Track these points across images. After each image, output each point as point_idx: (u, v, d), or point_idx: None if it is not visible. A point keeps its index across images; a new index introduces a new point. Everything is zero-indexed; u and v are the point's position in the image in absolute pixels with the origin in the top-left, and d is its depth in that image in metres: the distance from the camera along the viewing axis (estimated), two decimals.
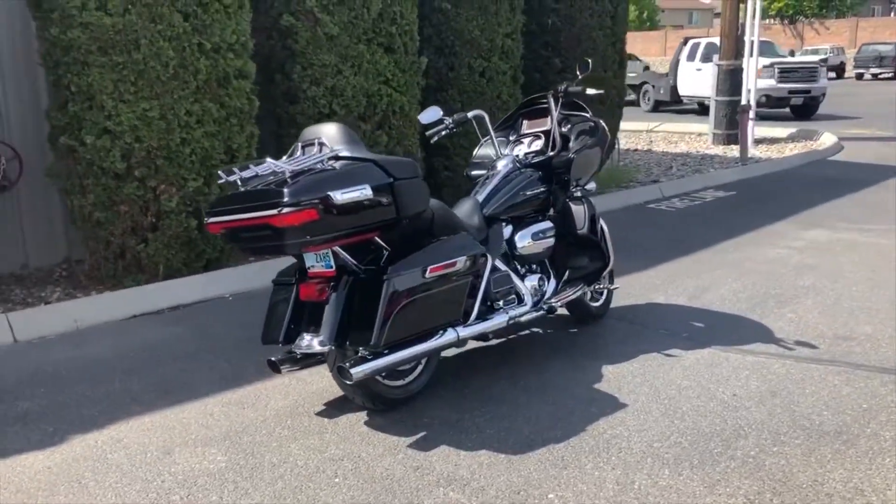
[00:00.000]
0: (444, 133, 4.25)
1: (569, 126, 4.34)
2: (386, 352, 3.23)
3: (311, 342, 3.19)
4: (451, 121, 4.20)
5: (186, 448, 3.21)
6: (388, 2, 6.02)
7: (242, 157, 5.40)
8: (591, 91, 4.34)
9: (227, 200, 3.12)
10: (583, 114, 4.36)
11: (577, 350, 4.21)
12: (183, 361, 4.14)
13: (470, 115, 4.22)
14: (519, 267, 4.03)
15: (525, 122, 4.45)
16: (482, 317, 3.71)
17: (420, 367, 3.58)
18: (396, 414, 3.47)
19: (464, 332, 3.54)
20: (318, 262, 3.28)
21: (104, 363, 4.15)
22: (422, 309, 3.25)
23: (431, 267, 3.23)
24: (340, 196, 2.94)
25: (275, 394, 3.71)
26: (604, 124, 4.43)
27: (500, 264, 3.90)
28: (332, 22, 5.75)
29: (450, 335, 3.46)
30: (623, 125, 10.14)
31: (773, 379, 3.75)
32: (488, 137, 4.22)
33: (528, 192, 4.05)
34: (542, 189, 4.11)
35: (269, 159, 3.10)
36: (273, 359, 3.32)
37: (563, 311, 4.36)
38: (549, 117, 4.26)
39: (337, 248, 3.17)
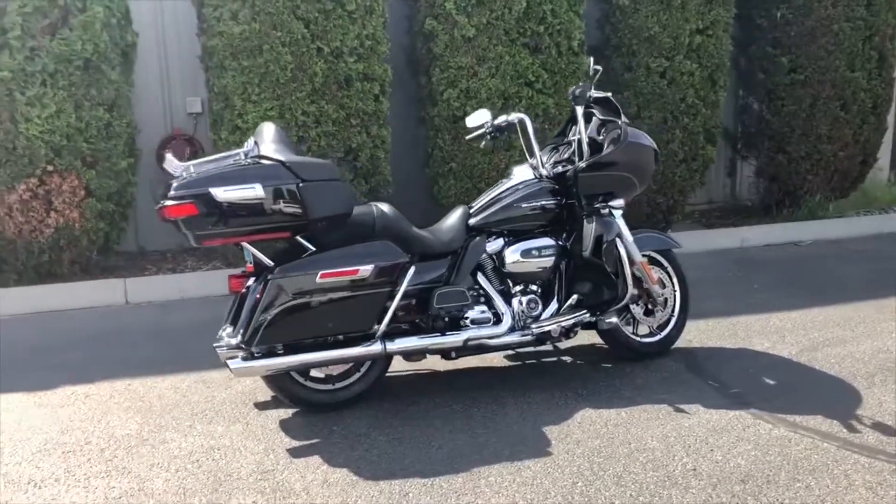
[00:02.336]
0: (488, 137, 4.04)
1: (605, 134, 3.83)
2: (280, 352, 3.23)
3: (223, 334, 3.31)
4: (489, 124, 3.97)
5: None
6: (535, 0, 5.76)
7: (365, 157, 5.64)
8: (596, 93, 3.78)
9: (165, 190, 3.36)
10: (616, 119, 3.79)
11: (572, 384, 3.72)
12: None
13: (511, 118, 3.94)
14: (512, 285, 3.67)
15: (573, 127, 4.03)
16: (440, 331, 3.48)
17: (356, 376, 3.48)
18: (321, 418, 3.43)
19: (393, 346, 3.37)
20: (246, 258, 3.38)
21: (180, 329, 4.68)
22: (313, 314, 3.18)
23: (323, 272, 3.14)
24: (223, 193, 3.01)
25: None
26: (634, 131, 3.79)
27: (482, 280, 3.62)
28: (469, 24, 5.69)
29: (372, 347, 3.32)
30: None
31: (773, 460, 2.95)
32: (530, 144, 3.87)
33: (527, 205, 3.67)
34: (546, 202, 3.70)
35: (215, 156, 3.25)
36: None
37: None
38: (577, 124, 3.80)
39: (247, 245, 3.23)
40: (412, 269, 3.31)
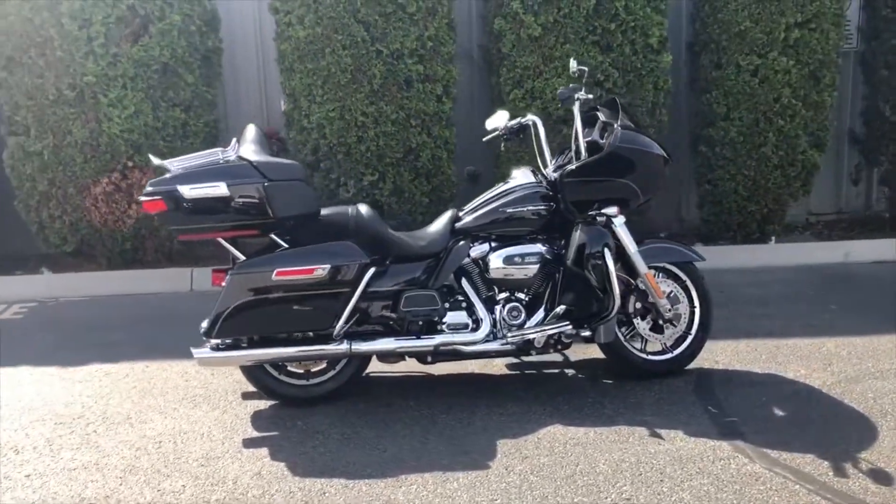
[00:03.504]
0: (502, 140, 3.97)
1: (607, 137, 3.63)
2: (244, 345, 3.35)
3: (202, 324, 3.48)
4: (503, 127, 3.91)
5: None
6: None
7: (426, 157, 5.68)
8: (583, 95, 3.57)
9: None
10: (614, 122, 3.57)
11: (559, 398, 3.56)
12: None
13: (525, 119, 3.86)
14: (498, 292, 3.58)
15: (586, 129, 3.86)
16: (416, 334, 3.47)
17: (331, 373, 3.54)
18: (292, 412, 3.53)
19: (359, 346, 3.40)
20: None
21: None
22: (271, 311, 3.26)
23: (279, 270, 3.21)
24: (189, 191, 3.18)
25: None
26: (630, 135, 3.53)
27: (466, 285, 3.56)
28: (536, 22, 5.56)
29: (336, 346, 3.37)
30: None
31: (724, 497, 2.71)
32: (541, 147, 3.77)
33: (513, 210, 3.55)
34: (535, 208, 3.56)
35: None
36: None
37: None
38: (574, 126, 3.64)
39: (222, 241, 3.38)
40: (371, 271, 3.30)
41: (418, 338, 3.46)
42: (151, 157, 3.32)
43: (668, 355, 3.75)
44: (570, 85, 3.61)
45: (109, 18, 5.23)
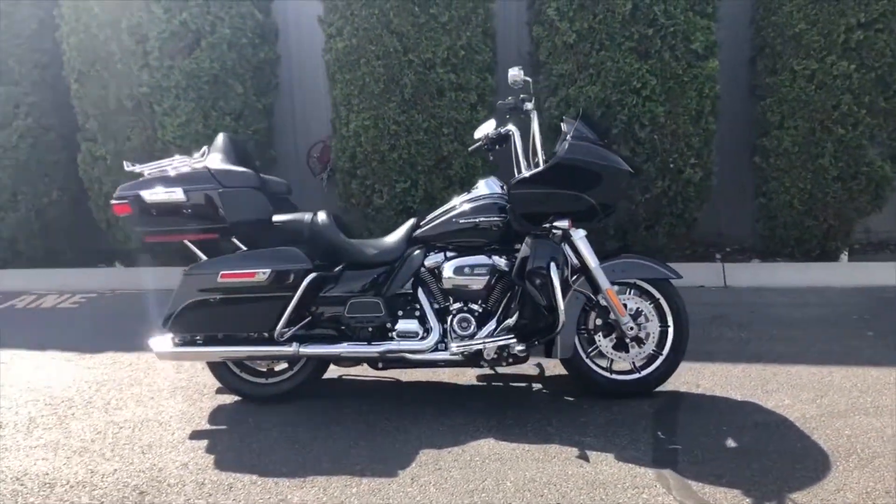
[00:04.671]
0: (485, 149, 3.98)
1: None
2: (199, 342, 3.56)
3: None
4: (485, 136, 3.92)
5: None
6: (644, 1, 5.35)
7: (458, 165, 5.74)
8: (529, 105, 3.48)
9: None
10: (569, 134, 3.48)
11: (509, 412, 3.51)
12: None
13: (503, 129, 3.84)
14: (452, 301, 3.60)
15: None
16: (366, 341, 3.56)
17: (288, 374, 3.69)
18: (253, 408, 3.71)
19: (306, 349, 3.51)
20: None
21: None
22: (218, 311, 3.43)
23: (224, 272, 3.39)
24: (150, 196, 3.43)
25: None
26: (581, 146, 3.41)
27: (420, 294, 3.61)
28: (571, 29, 5.47)
29: (284, 348, 3.50)
30: None
31: None
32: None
33: (465, 221, 3.54)
34: (487, 219, 3.52)
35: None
36: None
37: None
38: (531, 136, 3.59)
39: (188, 242, 3.61)
40: (311, 276, 3.39)
41: (369, 344, 3.51)
42: (125, 163, 3.57)
43: (636, 375, 3.61)
44: (509, 98, 3.53)
45: (164, 34, 5.64)
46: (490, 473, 2.95)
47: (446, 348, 3.49)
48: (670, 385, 3.72)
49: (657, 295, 3.60)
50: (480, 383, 3.89)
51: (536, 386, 3.84)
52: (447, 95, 5.61)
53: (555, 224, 3.42)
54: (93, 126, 5.98)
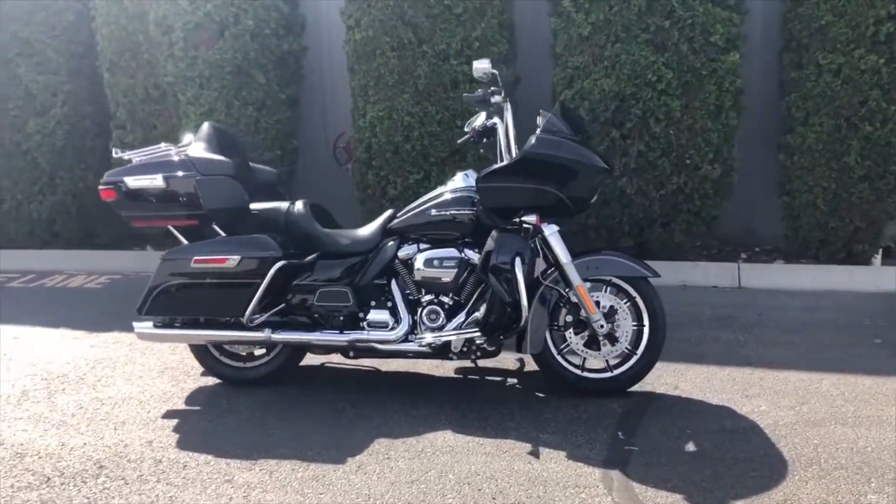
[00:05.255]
0: (472, 142, 3.97)
1: None
2: (178, 325, 3.68)
3: None
4: (472, 128, 3.93)
5: None
6: None
7: (471, 158, 5.73)
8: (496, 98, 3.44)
9: None
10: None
11: (475, 406, 3.50)
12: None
13: (489, 122, 3.84)
14: (424, 293, 3.61)
15: None
16: (338, 329, 3.61)
17: (265, 359, 3.77)
18: (231, 390, 3.83)
19: (278, 335, 3.58)
20: None
21: None
22: (191, 295, 3.53)
23: (196, 258, 3.49)
24: (132, 181, 3.57)
25: None
26: (548, 140, 3.37)
27: (393, 285, 3.63)
28: (586, 21, 5.39)
29: (256, 333, 3.58)
30: None
31: None
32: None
33: (436, 213, 3.56)
34: (459, 212, 3.52)
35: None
36: None
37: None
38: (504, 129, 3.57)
39: (171, 227, 3.73)
40: (279, 264, 3.45)
41: (340, 332, 3.56)
42: (113, 149, 3.70)
43: (608, 374, 3.55)
44: (478, 90, 3.51)
45: (189, 25, 5.80)
46: (436, 465, 2.96)
47: (416, 340, 3.50)
48: (648, 385, 3.66)
49: (633, 293, 3.53)
50: (457, 376, 3.90)
51: (512, 381, 3.82)
52: (461, 87, 5.59)
53: (523, 219, 3.39)
54: (122, 114, 6.21)
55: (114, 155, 3.68)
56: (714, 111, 5.34)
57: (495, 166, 3.39)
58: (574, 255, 3.48)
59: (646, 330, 3.52)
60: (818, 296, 5.13)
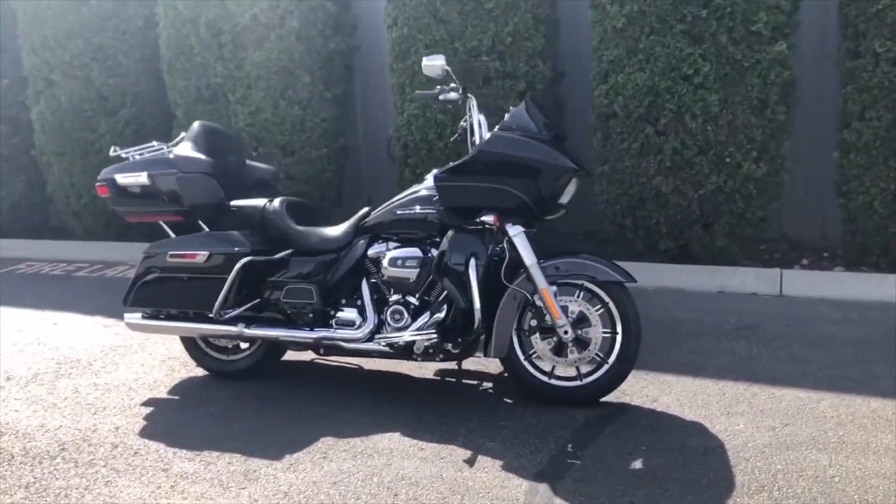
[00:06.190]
0: (461, 139, 3.94)
1: None
2: (161, 317, 3.84)
3: None
4: (461, 127, 3.89)
5: None
6: None
7: None
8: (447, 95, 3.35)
9: None
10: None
11: (437, 410, 3.45)
12: None
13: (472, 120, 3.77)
14: (393, 293, 3.60)
15: None
16: (309, 326, 3.67)
17: (247, 353, 3.88)
18: (217, 382, 3.97)
19: (250, 330, 3.67)
20: None
21: None
22: (167, 289, 3.68)
23: (171, 252, 3.63)
24: (121, 178, 3.77)
25: None
26: (505, 137, 3.24)
27: (364, 284, 3.65)
28: (620, 13, 5.18)
29: (230, 327, 3.68)
30: None
31: None
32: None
33: (402, 212, 3.54)
34: (422, 211, 3.49)
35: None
36: None
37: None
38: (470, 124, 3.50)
39: (162, 223, 3.91)
40: (244, 260, 3.52)
41: (310, 330, 3.60)
42: (113, 148, 3.90)
43: (576, 383, 3.40)
44: (437, 87, 3.42)
45: (237, 27, 6.03)
46: (367, 468, 2.93)
47: (377, 340, 3.48)
48: (626, 397, 3.48)
49: (606, 298, 3.36)
50: (436, 378, 3.85)
51: (487, 385, 3.73)
52: (493, 83, 5.51)
53: (482, 219, 3.30)
54: (180, 114, 6.52)
55: (111, 153, 3.86)
56: (758, 106, 4.98)
57: (451, 164, 3.31)
58: (548, 256, 3.35)
59: (618, 338, 3.34)
60: (865, 308, 4.68)
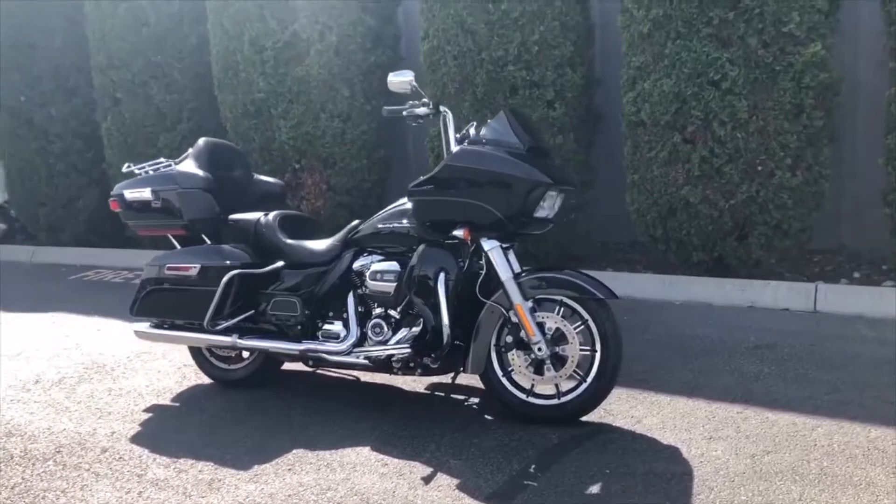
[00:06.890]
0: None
1: None
2: (166, 326, 4.02)
3: None
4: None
5: None
6: None
7: None
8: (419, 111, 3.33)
9: None
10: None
11: (411, 424, 3.46)
12: None
13: (471, 127, 3.77)
14: (376, 306, 3.65)
15: None
16: (296, 338, 3.75)
17: (244, 363, 4.01)
18: (217, 390, 4.11)
19: (242, 341, 3.78)
20: None
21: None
22: (165, 300, 3.84)
23: (168, 265, 3.79)
24: (129, 194, 3.98)
25: None
26: (473, 151, 3.21)
27: (350, 296, 3.71)
28: (646, 18, 5.05)
29: (223, 338, 3.81)
30: None
31: None
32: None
33: (382, 225, 3.57)
34: (400, 225, 3.52)
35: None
36: None
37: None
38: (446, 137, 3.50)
39: (170, 236, 4.10)
40: (231, 274, 3.63)
41: (298, 342, 3.68)
42: (127, 164, 4.11)
43: (553, 402, 3.34)
44: (410, 102, 3.42)
45: (278, 44, 6.22)
46: (326, 482, 2.97)
47: (356, 353, 3.52)
48: (609, 416, 3.40)
49: (585, 315, 3.28)
50: (426, 391, 3.85)
51: (473, 400, 3.70)
52: (521, 93, 5.47)
53: (453, 233, 3.29)
54: (230, 128, 6.78)
55: (123, 169, 4.06)
56: (792, 111, 4.74)
57: (421, 178, 3.31)
58: (531, 270, 3.32)
59: (596, 356, 3.25)
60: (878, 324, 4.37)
